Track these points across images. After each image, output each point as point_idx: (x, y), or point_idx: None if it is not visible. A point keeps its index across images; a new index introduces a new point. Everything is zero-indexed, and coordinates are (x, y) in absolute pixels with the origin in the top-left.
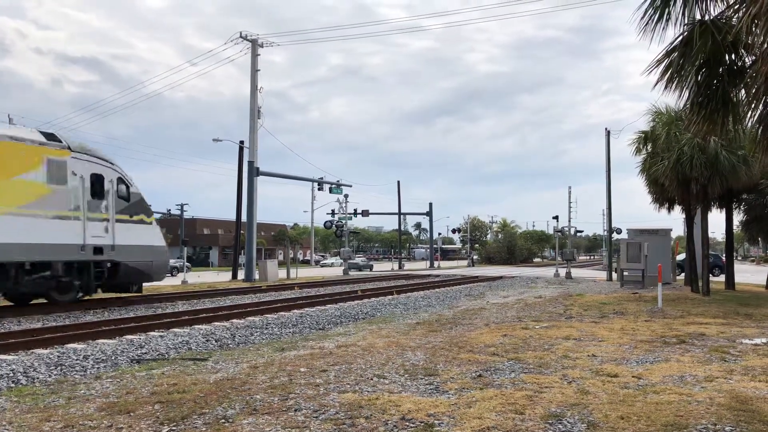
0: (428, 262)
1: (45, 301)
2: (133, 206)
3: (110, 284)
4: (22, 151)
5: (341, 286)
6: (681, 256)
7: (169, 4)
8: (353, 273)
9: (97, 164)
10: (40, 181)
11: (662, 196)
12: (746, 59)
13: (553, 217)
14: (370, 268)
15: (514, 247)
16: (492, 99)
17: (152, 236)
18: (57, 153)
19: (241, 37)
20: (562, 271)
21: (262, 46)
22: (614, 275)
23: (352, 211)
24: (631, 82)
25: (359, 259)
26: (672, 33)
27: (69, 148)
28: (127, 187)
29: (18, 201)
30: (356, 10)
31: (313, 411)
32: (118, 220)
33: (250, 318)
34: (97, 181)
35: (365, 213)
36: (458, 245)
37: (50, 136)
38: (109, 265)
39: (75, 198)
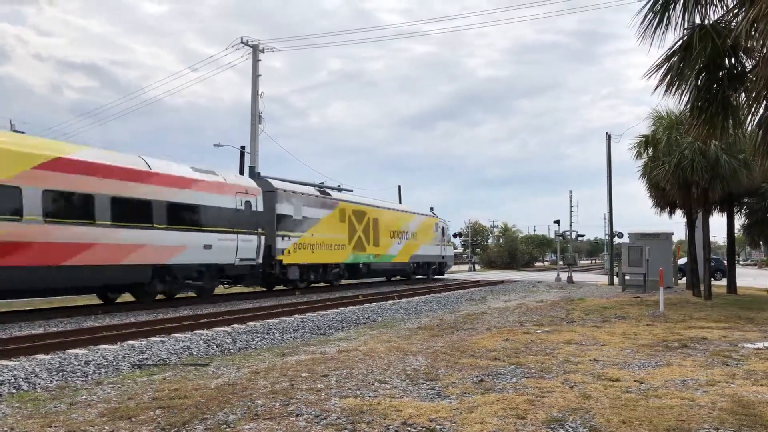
0: None
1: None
2: (447, 239)
3: (439, 272)
4: (432, 222)
5: (342, 291)
6: (682, 260)
7: (169, 10)
8: None
9: (441, 221)
10: (434, 233)
11: (663, 200)
12: (746, 63)
13: (555, 221)
14: None
15: (516, 252)
16: (492, 103)
17: (451, 251)
18: (436, 220)
19: (242, 42)
20: (564, 276)
21: (263, 52)
22: (616, 279)
23: None
24: (631, 86)
25: None
26: (672, 37)
27: (437, 216)
28: (446, 230)
29: (431, 240)
30: (356, 15)
31: (314, 416)
32: (444, 245)
33: (251, 323)
34: (441, 229)
35: None
36: (459, 249)
37: (432, 212)
38: (443, 264)
39: (438, 237)
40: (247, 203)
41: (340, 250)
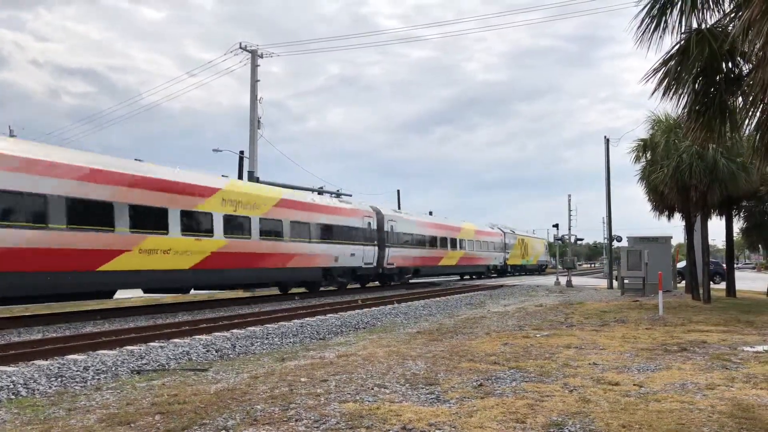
0: None
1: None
2: (547, 251)
3: (539, 271)
4: (543, 241)
5: (341, 296)
6: (681, 264)
7: (168, 16)
8: None
9: (545, 240)
10: (544, 248)
11: (662, 204)
12: (743, 67)
13: (553, 225)
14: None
15: None
16: (490, 107)
17: (548, 257)
18: (545, 240)
19: (240, 47)
20: (563, 280)
21: (261, 57)
22: (615, 283)
23: None
24: (629, 90)
25: None
26: (669, 41)
27: (544, 239)
28: (548, 246)
29: (543, 252)
30: (355, 21)
31: (313, 421)
32: (548, 254)
33: (250, 328)
34: (546, 245)
35: None
36: None
37: (540, 238)
38: (546, 266)
39: (545, 251)
40: (501, 239)
41: (518, 259)
